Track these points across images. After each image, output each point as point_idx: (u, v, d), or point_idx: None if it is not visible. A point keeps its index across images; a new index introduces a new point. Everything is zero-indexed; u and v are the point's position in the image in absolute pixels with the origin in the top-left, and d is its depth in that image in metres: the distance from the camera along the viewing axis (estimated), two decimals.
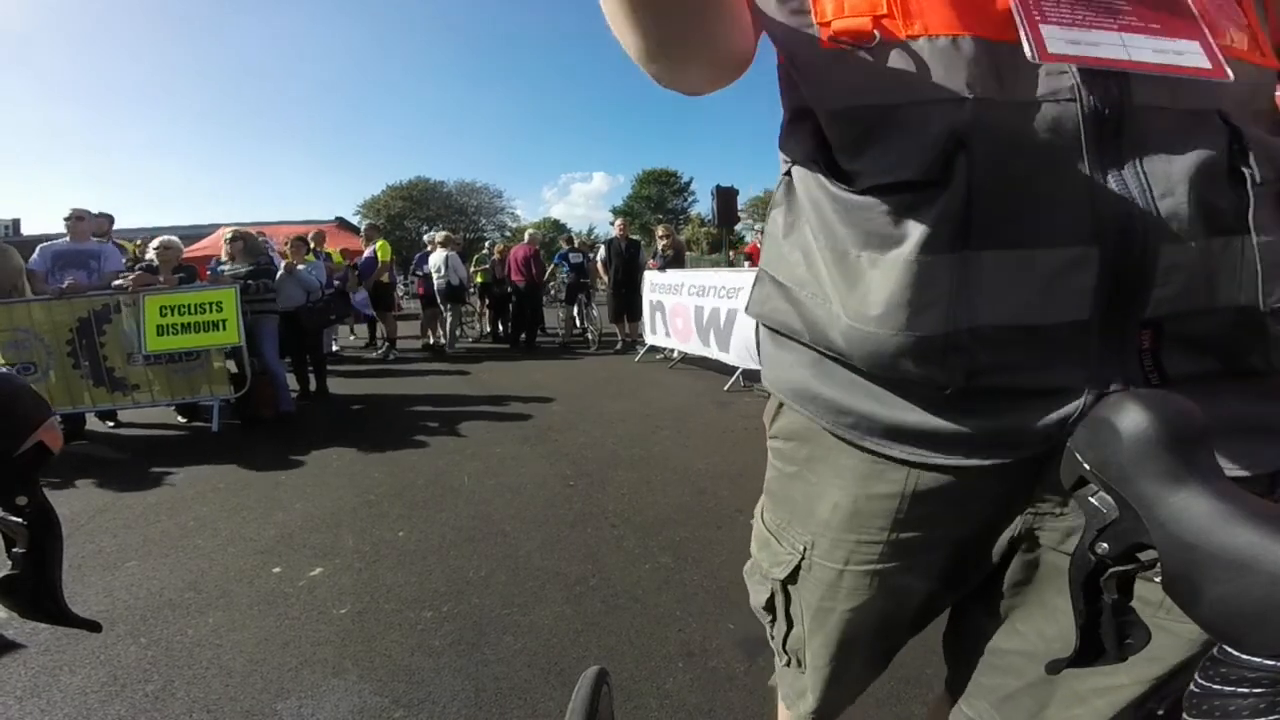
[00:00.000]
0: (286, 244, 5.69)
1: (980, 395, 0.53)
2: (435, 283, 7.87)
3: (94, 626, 0.62)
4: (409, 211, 43.73)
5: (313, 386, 5.65)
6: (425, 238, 8.20)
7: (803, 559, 0.70)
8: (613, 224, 8.70)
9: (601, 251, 8.10)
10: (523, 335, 8.82)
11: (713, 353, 5.90)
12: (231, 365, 4.61)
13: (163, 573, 2.39)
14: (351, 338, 9.29)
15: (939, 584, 0.67)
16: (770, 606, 0.80)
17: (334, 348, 8.15)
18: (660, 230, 7.69)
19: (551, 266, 10.09)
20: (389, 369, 7.28)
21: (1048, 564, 0.61)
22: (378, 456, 3.81)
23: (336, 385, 6.25)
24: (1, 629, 1.35)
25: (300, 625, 2.02)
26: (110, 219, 5.60)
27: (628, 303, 7.78)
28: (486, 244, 11.32)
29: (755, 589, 0.84)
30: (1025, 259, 0.49)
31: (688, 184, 50.61)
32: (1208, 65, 0.46)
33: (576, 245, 9.56)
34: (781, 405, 0.70)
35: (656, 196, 48.30)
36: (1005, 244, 0.49)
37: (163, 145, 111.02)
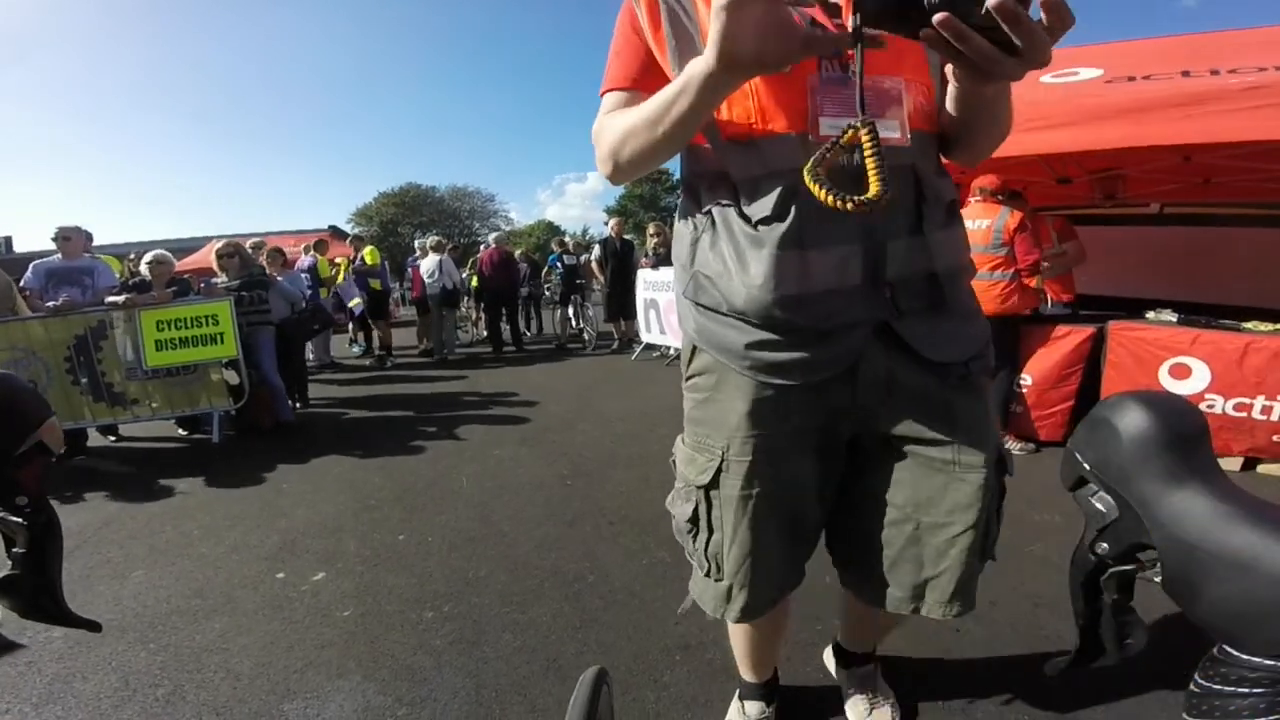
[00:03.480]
0: (264, 256, 5.67)
1: (810, 335, 0.92)
2: (429, 288, 7.90)
3: (93, 626, 0.63)
4: (402, 218, 43.63)
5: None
6: (416, 244, 8.20)
7: (722, 461, 1.02)
8: (607, 224, 8.73)
9: (597, 251, 8.13)
10: (503, 336, 8.85)
11: (657, 338, 6.03)
12: (231, 376, 4.64)
13: (169, 581, 2.43)
14: (354, 348, 9.29)
15: (817, 467, 1.04)
16: (694, 518, 1.09)
17: (330, 358, 8.18)
18: (651, 228, 7.72)
19: (546, 269, 10.13)
20: (387, 375, 7.31)
21: (878, 449, 1.03)
22: (377, 462, 3.85)
23: (335, 393, 6.31)
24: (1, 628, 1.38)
25: (304, 628, 2.05)
26: (89, 235, 5.54)
27: (622, 302, 7.82)
28: (481, 247, 11.33)
29: (680, 509, 1.13)
30: (826, 253, 0.89)
31: (680, 181, 50.53)
32: (898, 136, 0.86)
33: (570, 248, 9.60)
34: (695, 351, 1.06)
35: (649, 194, 48.19)
36: (817, 245, 0.88)
37: (152, 157, 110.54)
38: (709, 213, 0.98)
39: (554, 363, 7.76)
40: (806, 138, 0.85)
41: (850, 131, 0.67)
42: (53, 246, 4.57)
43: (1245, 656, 0.41)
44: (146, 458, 4.39)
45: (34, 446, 0.55)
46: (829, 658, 1.67)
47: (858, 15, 0.62)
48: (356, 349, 9.20)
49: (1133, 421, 0.49)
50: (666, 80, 0.87)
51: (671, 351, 6.93)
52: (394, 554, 2.57)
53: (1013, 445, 3.60)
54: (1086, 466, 0.53)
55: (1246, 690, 0.40)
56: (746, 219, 0.92)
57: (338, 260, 8.13)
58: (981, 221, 3.66)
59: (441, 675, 1.77)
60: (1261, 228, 5.83)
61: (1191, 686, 0.44)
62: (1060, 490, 2.08)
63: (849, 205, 0.65)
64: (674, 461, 1.17)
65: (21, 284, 4.51)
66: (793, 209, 0.88)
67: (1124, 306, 4.27)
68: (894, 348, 0.96)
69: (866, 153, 0.66)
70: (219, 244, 5.12)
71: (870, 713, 1.46)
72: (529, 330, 10.54)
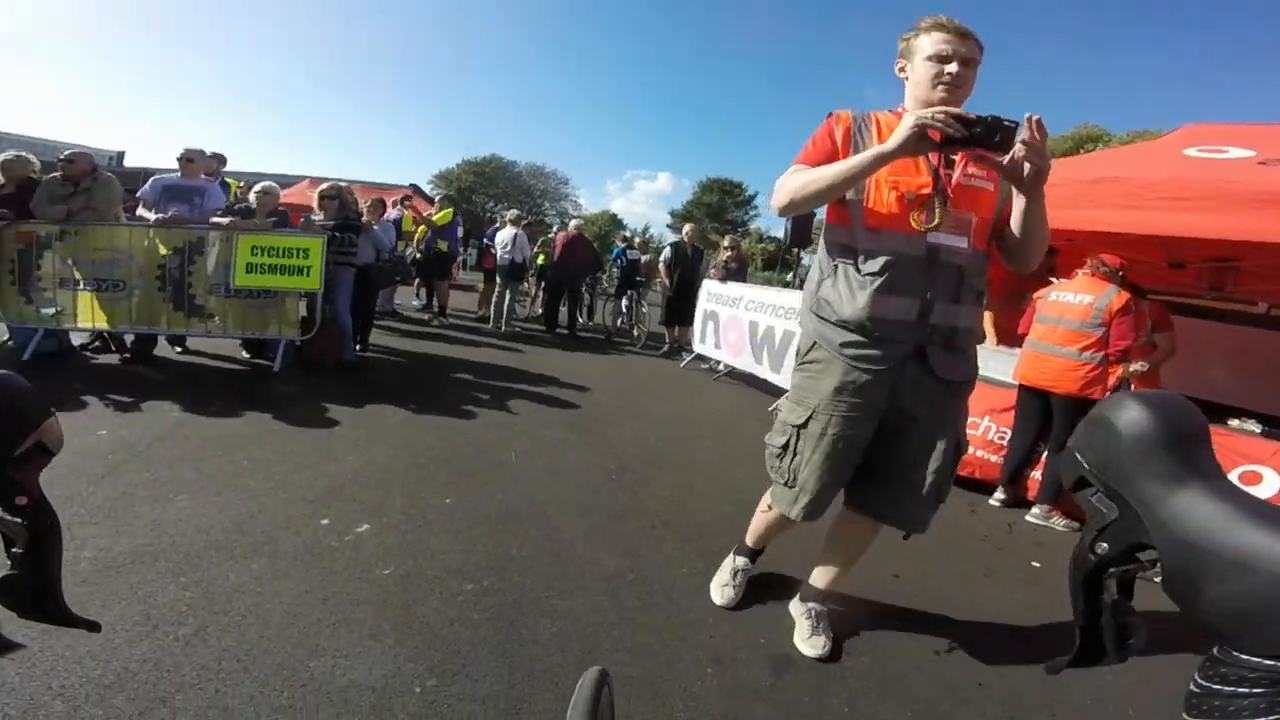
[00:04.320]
0: (366, 203, 5.90)
1: (881, 341, 1.61)
2: (500, 258, 8.00)
3: (93, 627, 0.62)
4: (479, 187, 44.68)
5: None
6: (509, 216, 8.34)
7: (812, 413, 1.70)
8: (672, 227, 8.72)
9: (668, 253, 8.08)
10: (558, 318, 8.89)
11: (763, 371, 5.82)
12: (302, 308, 4.77)
13: (212, 511, 2.36)
14: (415, 301, 9.50)
15: (870, 423, 1.67)
16: (785, 446, 1.77)
17: (394, 307, 8.39)
18: (727, 241, 7.64)
19: (610, 260, 10.14)
20: (444, 334, 7.41)
21: (905, 420, 1.67)
22: (429, 420, 3.88)
23: (394, 342, 6.43)
24: (0, 628, 1.37)
25: (342, 582, 2.01)
26: (223, 159, 5.99)
27: (682, 308, 7.75)
28: (554, 229, 11.42)
29: (776, 440, 1.81)
30: (900, 299, 1.58)
31: (752, 197, 50.22)
32: (964, 246, 1.59)
33: (635, 244, 9.60)
34: (813, 345, 1.72)
35: (717, 205, 47.92)
36: (895, 294, 1.58)
37: (258, 92, 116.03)
38: (835, 266, 1.70)
39: (604, 354, 7.76)
40: (919, 238, 1.59)
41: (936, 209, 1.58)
42: (161, 165, 4.83)
43: (1245, 656, 0.40)
44: (209, 376, 4.54)
45: (34, 447, 0.54)
46: (794, 604, 2.12)
47: (947, 144, 1.39)
48: (417, 303, 9.39)
49: (1133, 421, 0.49)
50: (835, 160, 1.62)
51: (721, 367, 6.83)
52: (440, 517, 2.56)
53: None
54: (1086, 466, 0.52)
55: (1246, 690, 0.40)
56: (859, 271, 1.63)
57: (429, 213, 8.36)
58: (1084, 297, 3.46)
59: (476, 652, 1.74)
60: None
61: (1191, 686, 0.43)
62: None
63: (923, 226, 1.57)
64: (776, 410, 2.03)
65: (138, 194, 4.78)
66: (887, 273, 1.59)
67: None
68: (922, 364, 1.64)
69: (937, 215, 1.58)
70: (323, 185, 5.33)
71: (814, 629, 1.97)
72: (582, 317, 10.60)
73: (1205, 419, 0.50)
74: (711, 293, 6.90)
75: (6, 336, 4.54)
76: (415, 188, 20.36)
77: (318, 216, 5.09)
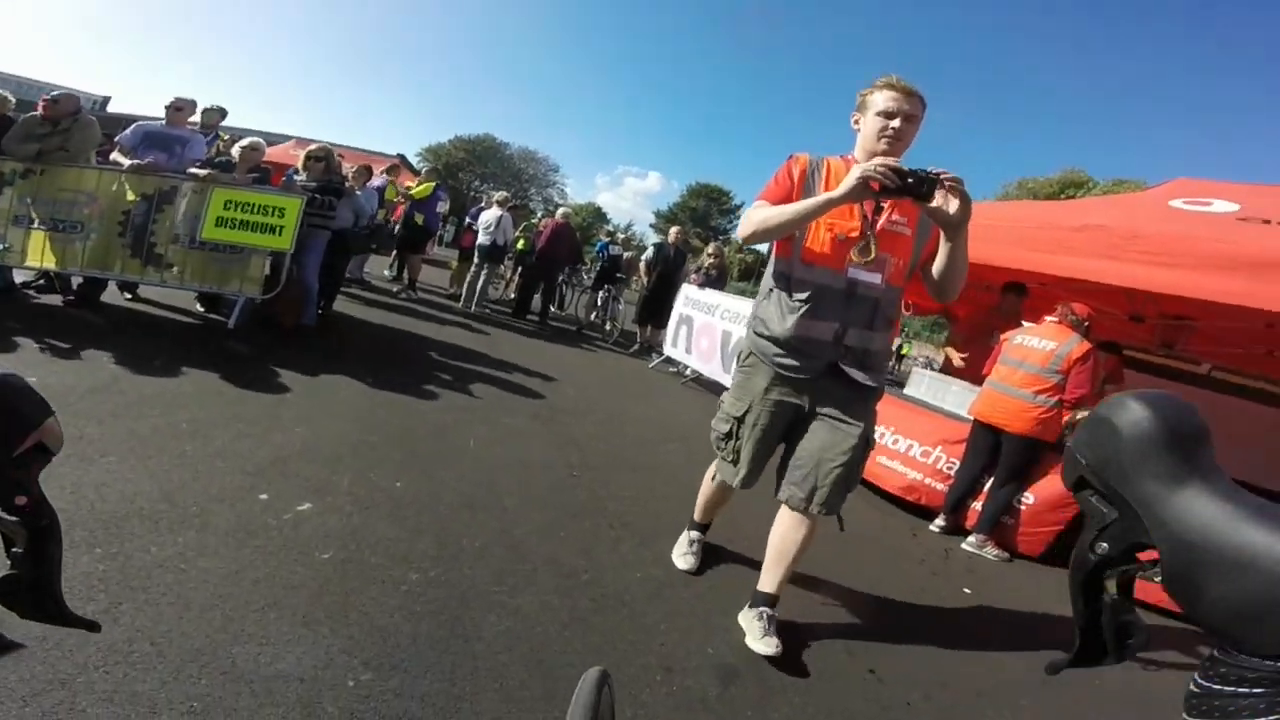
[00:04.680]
0: (352, 168, 5.73)
1: (804, 355, 1.94)
2: (481, 238, 7.83)
3: (93, 627, 0.62)
4: (467, 165, 43.96)
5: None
6: (496, 197, 8.16)
7: (749, 406, 2.06)
8: (656, 227, 8.72)
9: (650, 252, 8.03)
10: (531, 304, 8.78)
11: (727, 377, 5.83)
12: (267, 267, 4.57)
13: (140, 477, 2.16)
14: (387, 272, 9.22)
15: (789, 417, 2.05)
16: (729, 433, 2.12)
17: (362, 274, 8.13)
18: (711, 248, 7.65)
19: (593, 254, 10.05)
20: (410, 309, 7.20)
21: (821, 418, 2.00)
22: (386, 395, 3.74)
23: (359, 312, 6.21)
24: (0, 628, 1.25)
25: (277, 563, 1.86)
26: (223, 112, 5.81)
27: (658, 309, 7.72)
28: (538, 215, 11.25)
29: (721, 426, 2.15)
30: (821, 323, 1.91)
31: (738, 206, 50.54)
32: (877, 282, 1.88)
33: (619, 240, 9.53)
34: (750, 353, 2.09)
35: (702, 210, 48.13)
36: (818, 319, 1.91)
37: (254, 49, 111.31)
38: (772, 290, 2.03)
39: (573, 346, 7.66)
40: (840, 273, 1.89)
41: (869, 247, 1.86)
42: (147, 114, 4.65)
43: (1245, 656, 0.40)
44: (157, 327, 4.31)
45: (34, 447, 0.54)
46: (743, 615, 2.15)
47: (895, 190, 1.62)
48: (388, 273, 9.13)
49: (1133, 421, 0.49)
50: (789, 202, 1.89)
51: (689, 372, 6.82)
52: (389, 500, 2.44)
53: (991, 551, 3.58)
54: (1087, 466, 0.52)
55: (1246, 690, 0.40)
56: (790, 297, 1.95)
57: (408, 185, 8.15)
58: (1048, 343, 3.56)
59: (417, 646, 1.65)
60: None
61: (1191, 686, 0.44)
62: (1020, 599, 2.71)
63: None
64: (722, 401, 2.22)
65: (116, 139, 4.56)
66: (812, 302, 1.91)
67: None
68: (838, 374, 1.96)
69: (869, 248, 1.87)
70: (312, 146, 5.15)
71: (764, 631, 2.00)
72: (554, 306, 10.47)
73: (1205, 420, 0.50)
74: (689, 297, 6.88)
75: None
76: (402, 158, 19.84)
77: (301, 176, 4.89)
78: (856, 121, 1.94)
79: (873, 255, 1.84)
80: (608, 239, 9.47)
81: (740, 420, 2.09)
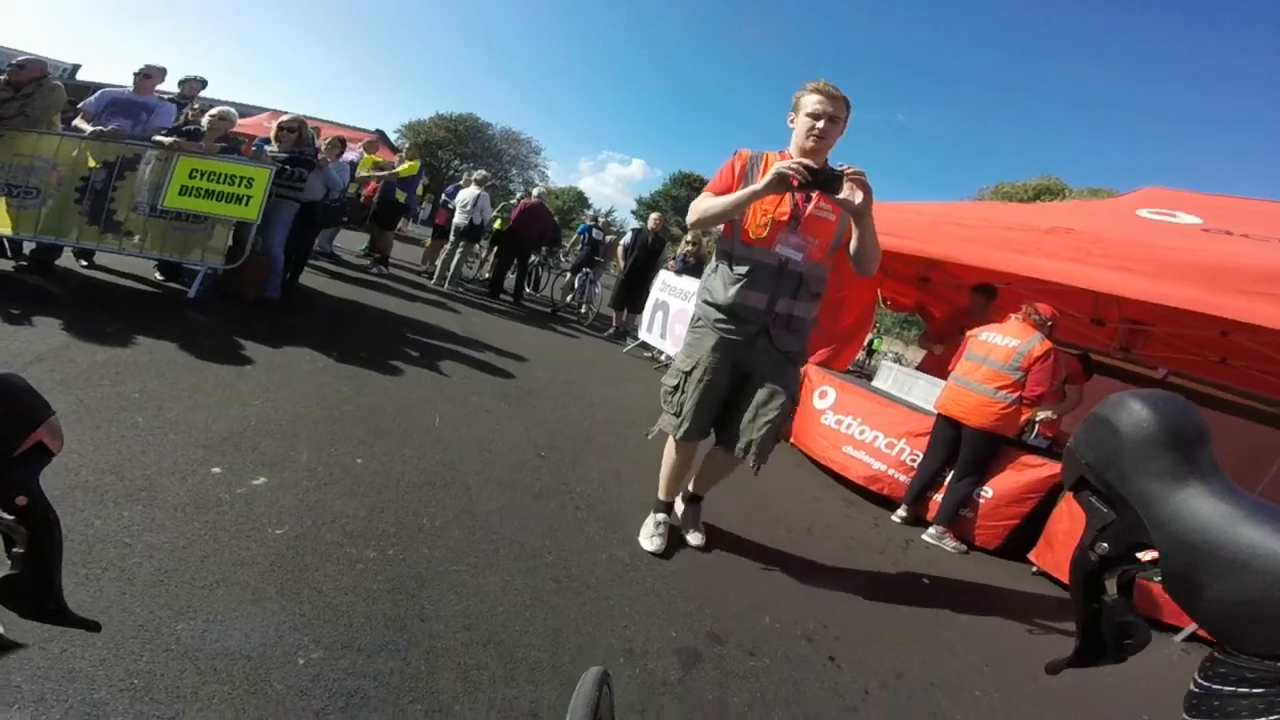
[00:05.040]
0: (325, 141, 5.59)
1: (740, 320, 2.30)
2: (458, 216, 7.68)
3: (93, 626, 0.61)
4: (447, 143, 43.04)
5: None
6: (475, 176, 8.03)
7: (696, 363, 2.35)
8: (637, 214, 8.67)
9: (628, 237, 7.98)
10: (504, 284, 8.73)
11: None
12: (230, 237, 4.43)
13: (86, 448, 2.07)
14: (360, 248, 9.00)
15: (729, 373, 2.36)
16: (676, 387, 2.41)
17: (332, 248, 7.93)
18: (690, 236, 7.64)
19: (575, 237, 9.96)
20: (380, 285, 7.03)
21: (753, 376, 2.35)
22: (350, 370, 3.66)
23: (326, 286, 6.05)
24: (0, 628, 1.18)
25: (227, 539, 1.81)
26: (203, 82, 5.73)
27: (634, 294, 7.68)
28: (517, 195, 11.09)
29: (670, 381, 2.44)
30: (756, 293, 2.27)
31: None
32: (800, 259, 2.24)
33: (601, 224, 9.46)
34: (699, 319, 2.41)
35: (684, 199, 47.98)
36: (753, 289, 2.26)
37: (223, 15, 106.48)
38: (717, 265, 2.36)
39: (547, 328, 7.59)
40: (771, 250, 2.22)
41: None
42: (114, 81, 4.48)
43: (1245, 656, 0.40)
44: (112, 295, 4.14)
45: (34, 447, 0.54)
46: (678, 504, 2.75)
47: (799, 186, 2.04)
48: (360, 249, 8.92)
49: (1133, 421, 0.49)
50: (729, 193, 2.22)
51: (663, 357, 6.82)
52: (348, 476, 2.40)
53: (949, 543, 3.66)
54: (1086, 466, 0.52)
55: (1246, 690, 0.40)
56: (731, 271, 2.28)
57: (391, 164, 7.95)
58: (1010, 340, 3.63)
59: (371, 624, 1.63)
60: (1252, 421, 5.88)
61: (1191, 686, 0.44)
62: (976, 590, 2.82)
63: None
64: (674, 358, 2.52)
65: (79, 105, 4.41)
66: (749, 276, 2.24)
67: None
68: (768, 339, 2.30)
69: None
70: (281, 117, 5.02)
71: (691, 532, 2.65)
72: (529, 288, 10.35)
73: (1205, 420, 0.49)
74: (666, 283, 6.87)
75: None
76: (381, 134, 19.30)
77: (272, 147, 4.73)
78: (791, 120, 2.26)
79: (795, 234, 2.21)
80: (591, 222, 9.38)
81: (687, 375, 2.38)
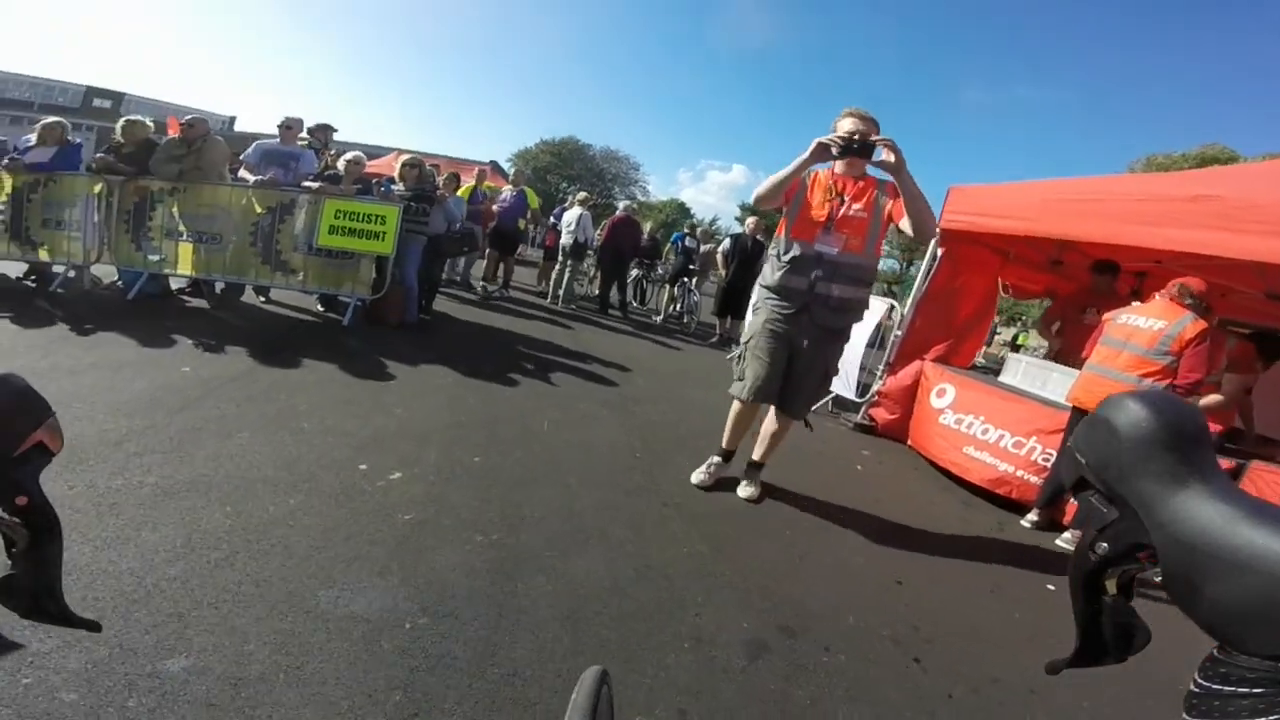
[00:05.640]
0: (443, 176, 6.24)
1: (788, 297, 2.77)
2: (564, 237, 8.19)
3: (93, 627, 0.62)
4: (554, 167, 45.53)
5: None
6: (578, 197, 8.55)
7: (753, 335, 2.87)
8: (742, 220, 8.60)
9: (726, 244, 8.02)
10: (611, 299, 9.06)
11: None
12: (372, 271, 5.12)
13: (266, 449, 2.60)
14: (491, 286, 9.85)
15: (784, 343, 2.80)
16: (739, 356, 2.96)
17: (469, 277, 8.74)
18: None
19: (668, 247, 10.18)
20: (503, 307, 7.69)
21: (799, 349, 2.80)
22: (475, 383, 4.10)
23: (457, 310, 6.75)
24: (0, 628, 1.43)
25: (366, 522, 2.18)
26: (331, 129, 6.47)
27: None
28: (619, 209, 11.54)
29: (736, 351, 3.10)
30: (800, 276, 2.72)
31: None
32: (835, 252, 2.69)
33: (696, 233, 9.57)
34: (757, 301, 2.93)
35: None
36: (797, 274, 2.73)
37: (353, 65, 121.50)
38: (771, 256, 2.84)
39: (653, 338, 7.83)
40: (811, 244, 2.68)
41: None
42: (266, 130, 5.30)
43: (1245, 656, 0.40)
44: (285, 325, 4.95)
45: (34, 447, 0.54)
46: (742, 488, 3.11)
47: (836, 154, 2.51)
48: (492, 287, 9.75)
49: (1132, 421, 0.49)
50: (796, 192, 2.75)
51: None
52: (467, 473, 2.74)
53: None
54: (1086, 466, 0.53)
55: (1246, 690, 0.40)
56: (780, 260, 2.75)
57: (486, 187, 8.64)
58: (1156, 322, 3.19)
59: (470, 598, 1.87)
60: None
61: (1191, 686, 0.44)
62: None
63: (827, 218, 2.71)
64: (742, 331, 3.05)
65: (241, 156, 5.29)
66: (792, 263, 2.71)
67: None
68: (810, 316, 2.74)
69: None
70: (404, 156, 5.69)
71: (748, 484, 3.07)
72: (635, 301, 10.67)
73: (1205, 420, 0.50)
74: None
75: (116, 278, 5.11)
76: (494, 164, 20.94)
77: (398, 186, 5.41)
78: None
79: (831, 232, 2.67)
80: (686, 231, 9.55)
81: (747, 345, 2.90)
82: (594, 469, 3.06)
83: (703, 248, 9.31)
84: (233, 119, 29.75)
